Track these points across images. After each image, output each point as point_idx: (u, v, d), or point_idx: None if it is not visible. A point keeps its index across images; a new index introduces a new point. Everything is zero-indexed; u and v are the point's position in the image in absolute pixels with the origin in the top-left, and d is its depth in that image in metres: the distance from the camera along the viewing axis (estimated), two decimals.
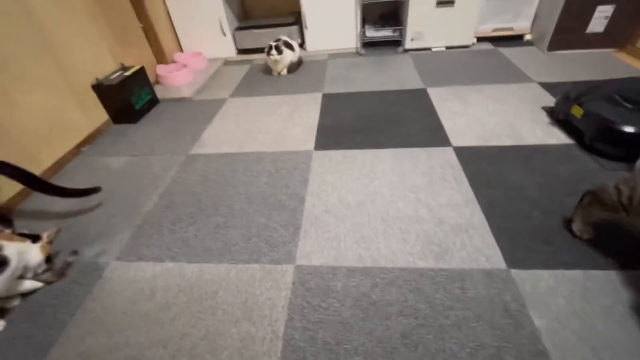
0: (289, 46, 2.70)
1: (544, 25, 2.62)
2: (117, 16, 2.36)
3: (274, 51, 2.59)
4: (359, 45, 3.04)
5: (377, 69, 2.69)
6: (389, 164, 1.65)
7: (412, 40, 2.86)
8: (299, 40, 3.11)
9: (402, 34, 2.88)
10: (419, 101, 2.18)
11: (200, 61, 3.04)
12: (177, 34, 3.12)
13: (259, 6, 3.43)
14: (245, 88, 2.66)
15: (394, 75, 2.57)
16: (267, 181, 1.62)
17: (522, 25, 2.82)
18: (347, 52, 3.09)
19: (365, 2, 2.74)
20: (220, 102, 2.48)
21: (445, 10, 2.68)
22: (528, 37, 2.85)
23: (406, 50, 2.95)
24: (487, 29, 2.84)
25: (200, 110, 2.38)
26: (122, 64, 2.35)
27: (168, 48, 3.00)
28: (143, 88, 2.37)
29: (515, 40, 2.88)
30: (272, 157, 1.79)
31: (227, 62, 3.19)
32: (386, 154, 1.73)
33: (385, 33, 3.00)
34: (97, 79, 2.13)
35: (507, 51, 2.74)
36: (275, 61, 2.64)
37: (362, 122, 2.03)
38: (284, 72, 2.80)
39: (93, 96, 2.14)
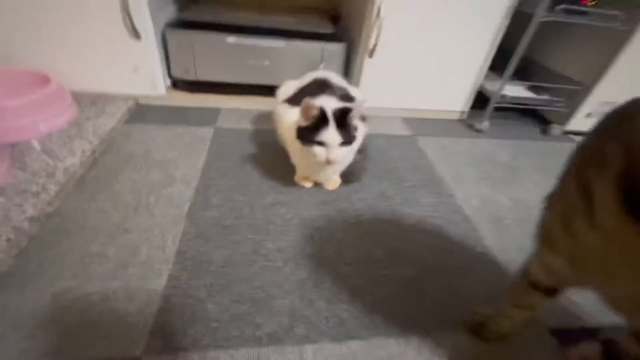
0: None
1: None
2: None
3: (331, 136, 0.72)
4: (467, 108, 1.38)
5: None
6: None
7: (587, 116, 1.34)
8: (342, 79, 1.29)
9: (572, 101, 1.33)
10: None
11: (42, 112, 0.93)
12: None
13: None
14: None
15: None
16: None
17: None
18: (442, 119, 1.39)
19: (548, 19, 1.09)
20: None
21: None
22: None
23: (567, 134, 1.41)
24: None
25: None
26: None
27: None
28: None
29: None
30: None
31: (137, 114, 1.15)
32: None
33: (521, 92, 1.41)
34: None
35: None
36: (329, 162, 0.76)
37: None
38: (334, 183, 0.94)
39: None
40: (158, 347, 0.54)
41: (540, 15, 1.07)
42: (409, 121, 1.34)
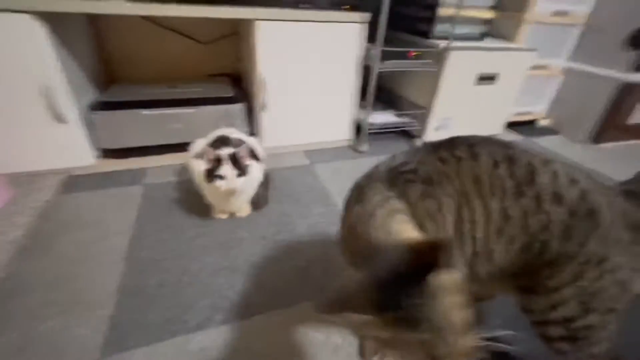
0: (254, 154, 1.18)
1: (574, 111, 2.07)
2: None
3: (226, 170, 1.01)
4: (352, 136, 1.78)
5: None
6: None
7: (436, 129, 1.82)
8: (246, 130, 1.60)
9: (422, 120, 1.81)
10: None
11: None
12: None
13: (140, 61, 1.75)
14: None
15: None
16: None
17: (539, 108, 2.23)
18: (335, 147, 1.77)
19: (383, 70, 1.54)
20: None
21: (484, 89, 1.78)
22: (544, 122, 2.27)
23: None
24: (510, 113, 2.11)
25: None
26: None
27: None
28: None
29: (526, 125, 2.25)
30: None
31: (71, 184, 1.32)
32: None
33: (388, 118, 1.87)
34: None
35: (547, 143, 2.03)
36: (230, 192, 1.05)
37: None
38: (245, 211, 1.22)
39: None
40: (111, 351, 0.75)
41: (377, 67, 1.52)
42: (308, 153, 1.69)
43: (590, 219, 0.50)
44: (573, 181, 0.52)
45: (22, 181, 1.25)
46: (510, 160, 0.54)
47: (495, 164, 0.54)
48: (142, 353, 0.75)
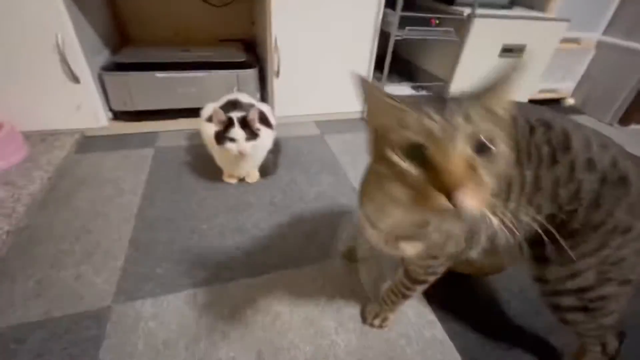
0: (265, 121, 1.16)
1: (604, 89, 1.94)
2: None
3: (236, 132, 1.00)
4: (365, 108, 1.73)
5: None
6: None
7: None
8: (258, 96, 1.58)
9: (439, 92, 1.74)
10: None
11: None
12: None
13: (153, 23, 1.72)
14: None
15: None
16: None
17: (566, 86, 2.11)
18: (347, 119, 1.73)
19: (399, 37, 1.47)
20: None
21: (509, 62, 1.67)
22: (570, 101, 2.15)
23: None
24: (534, 90, 2.01)
25: None
26: None
27: None
28: None
29: (550, 104, 2.14)
30: None
31: (85, 144, 1.35)
32: None
33: (404, 91, 1.80)
34: None
35: None
36: (241, 155, 1.04)
37: None
38: (254, 177, 1.22)
39: None
40: (122, 299, 0.78)
41: (394, 34, 1.44)
42: (319, 123, 1.66)
43: (620, 187, 0.48)
44: (604, 146, 0.49)
45: (37, 139, 1.28)
46: (546, 125, 0.50)
47: (532, 129, 0.50)
48: (151, 302, 0.78)
